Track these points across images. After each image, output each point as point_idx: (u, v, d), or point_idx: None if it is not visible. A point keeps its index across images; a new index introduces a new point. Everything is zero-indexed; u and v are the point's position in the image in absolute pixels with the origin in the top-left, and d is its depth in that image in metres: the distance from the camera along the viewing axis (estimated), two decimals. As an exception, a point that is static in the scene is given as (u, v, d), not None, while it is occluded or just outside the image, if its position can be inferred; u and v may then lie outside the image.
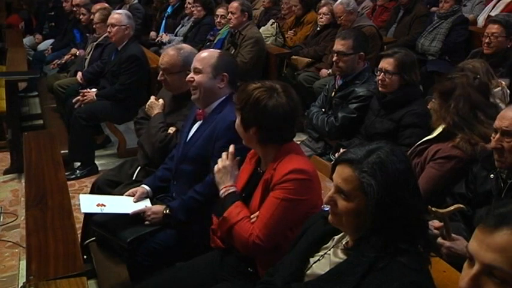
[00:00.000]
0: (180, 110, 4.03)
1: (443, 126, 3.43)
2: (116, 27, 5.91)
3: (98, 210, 3.39)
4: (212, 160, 3.20)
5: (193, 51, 4.13)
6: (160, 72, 4.04)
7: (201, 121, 3.50)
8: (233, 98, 3.21)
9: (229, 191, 2.67)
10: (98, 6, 7.26)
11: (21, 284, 4.01)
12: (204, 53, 3.55)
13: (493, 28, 5.11)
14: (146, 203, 3.44)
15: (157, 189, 3.62)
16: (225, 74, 3.48)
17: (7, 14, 12.12)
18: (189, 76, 3.47)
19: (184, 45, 4.68)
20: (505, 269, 1.36)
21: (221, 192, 2.68)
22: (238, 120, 2.74)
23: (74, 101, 5.99)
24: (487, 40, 5.10)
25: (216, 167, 2.74)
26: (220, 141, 3.30)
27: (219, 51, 3.66)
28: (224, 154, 2.75)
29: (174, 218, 3.27)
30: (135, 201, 3.47)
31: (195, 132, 3.52)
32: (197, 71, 3.44)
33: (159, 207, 3.33)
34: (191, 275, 2.79)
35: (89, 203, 3.46)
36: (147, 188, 3.58)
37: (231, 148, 2.76)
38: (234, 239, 2.58)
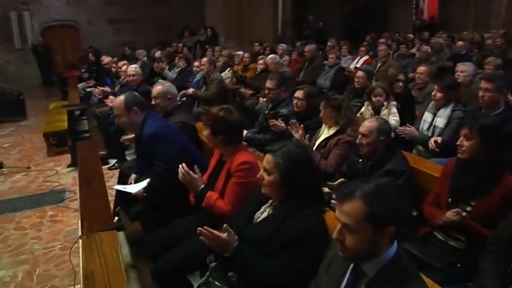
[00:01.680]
0: None
1: (338, 127, 3.51)
2: (136, 76, 5.84)
3: (121, 188, 3.36)
4: (155, 161, 3.15)
5: (170, 85, 4.11)
6: (153, 99, 3.94)
7: None
8: (153, 115, 3.31)
9: (200, 188, 2.60)
10: (121, 63, 7.33)
11: (80, 234, 3.94)
12: (115, 103, 3.35)
13: (359, 73, 5.18)
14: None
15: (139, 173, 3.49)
16: (135, 108, 3.22)
17: (69, 70, 11.94)
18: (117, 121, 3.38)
19: (166, 82, 4.74)
20: (351, 225, 1.45)
21: (197, 190, 2.60)
22: (208, 132, 2.66)
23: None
24: (356, 80, 5.16)
25: (185, 180, 2.60)
26: (154, 150, 3.14)
27: (123, 95, 3.35)
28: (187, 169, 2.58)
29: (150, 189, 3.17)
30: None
31: (137, 143, 3.49)
32: (118, 116, 3.29)
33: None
34: (184, 228, 2.70)
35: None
36: (134, 175, 3.49)
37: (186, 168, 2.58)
38: (215, 213, 2.53)
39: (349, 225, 1.46)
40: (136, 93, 3.55)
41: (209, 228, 1.94)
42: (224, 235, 1.92)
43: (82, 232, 2.50)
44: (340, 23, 15.78)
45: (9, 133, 8.40)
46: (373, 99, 4.19)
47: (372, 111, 4.21)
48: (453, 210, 2.36)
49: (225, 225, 1.96)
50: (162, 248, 2.60)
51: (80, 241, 3.74)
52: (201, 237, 1.95)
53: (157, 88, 4.02)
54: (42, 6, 13.88)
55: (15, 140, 7.82)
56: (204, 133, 2.71)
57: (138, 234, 3.31)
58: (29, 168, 6.14)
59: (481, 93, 3.47)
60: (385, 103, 4.18)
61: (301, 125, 3.70)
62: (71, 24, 14.46)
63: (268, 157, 2.05)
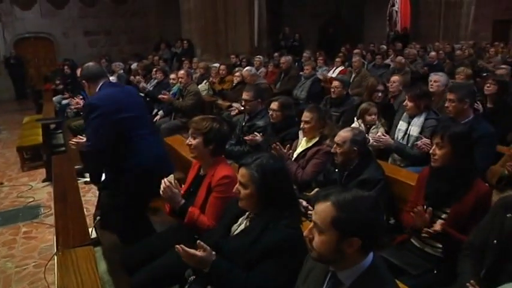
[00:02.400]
0: None
1: (318, 137, 3.52)
2: None
3: None
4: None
5: None
6: None
7: None
8: (106, 86, 3.12)
9: (181, 203, 2.54)
10: None
11: (55, 250, 3.86)
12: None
13: (336, 83, 5.24)
14: None
15: None
16: (83, 81, 3.18)
17: (44, 83, 11.73)
18: None
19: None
20: (319, 224, 1.49)
21: (179, 205, 2.53)
22: (199, 140, 2.57)
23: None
24: (332, 90, 5.22)
25: (166, 195, 2.53)
26: (85, 121, 3.09)
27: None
28: (169, 184, 2.52)
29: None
30: None
31: None
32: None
33: None
34: (161, 242, 2.66)
35: None
36: None
37: (173, 180, 2.55)
38: (198, 227, 2.49)
39: (317, 224, 1.50)
40: (92, 66, 3.32)
41: (185, 247, 1.93)
42: (200, 252, 1.92)
43: (57, 248, 2.44)
44: (315, 35, 16.05)
45: (-19, 148, 8.20)
46: (368, 118, 4.18)
47: (364, 128, 4.19)
48: (438, 223, 2.39)
49: (198, 241, 1.95)
50: (140, 262, 2.55)
51: (56, 258, 3.69)
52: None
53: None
54: (15, 18, 13.64)
55: (-13, 155, 7.64)
56: (193, 142, 2.60)
57: (116, 249, 3.24)
58: (2, 183, 5.99)
59: (447, 104, 3.59)
60: (377, 122, 4.19)
61: (285, 144, 3.69)
62: (45, 37, 14.27)
63: (242, 171, 2.03)
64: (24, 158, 6.65)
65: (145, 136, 3.08)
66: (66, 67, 10.37)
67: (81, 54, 13.68)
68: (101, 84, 3.13)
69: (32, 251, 4.06)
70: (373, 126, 4.16)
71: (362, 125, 4.22)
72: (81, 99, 6.47)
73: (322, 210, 1.49)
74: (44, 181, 5.88)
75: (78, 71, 8.20)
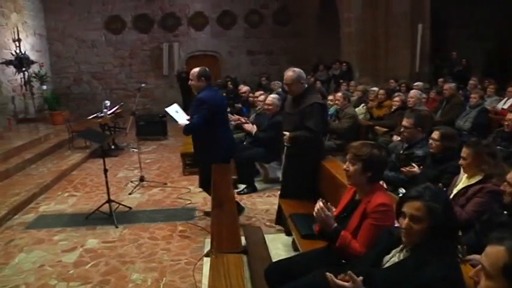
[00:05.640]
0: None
1: (481, 175, 3.24)
2: (272, 106, 6.01)
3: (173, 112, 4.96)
4: (194, 114, 4.62)
5: (300, 71, 4.29)
6: (286, 86, 4.46)
7: None
8: (211, 88, 4.75)
9: (334, 227, 2.51)
10: (258, 93, 7.70)
11: (205, 252, 4.19)
12: (193, 71, 4.70)
13: (510, 116, 4.74)
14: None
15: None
16: (202, 78, 4.61)
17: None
18: None
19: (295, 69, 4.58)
20: (488, 269, 1.39)
21: (331, 228, 2.51)
22: (357, 167, 2.51)
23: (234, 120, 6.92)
24: (506, 123, 4.74)
25: (319, 217, 2.53)
26: (197, 108, 4.56)
27: (199, 68, 4.72)
28: (322, 207, 2.51)
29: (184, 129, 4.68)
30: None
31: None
32: (191, 80, 4.71)
33: None
34: (307, 261, 2.68)
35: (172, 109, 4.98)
36: None
37: (322, 205, 2.53)
38: (348, 253, 2.45)
39: (486, 268, 1.39)
40: (207, 69, 4.74)
41: (334, 278, 1.90)
42: (349, 284, 1.87)
43: (211, 251, 2.60)
44: (482, 60, 14.61)
45: (152, 150, 9.40)
46: None
47: None
48: None
49: (349, 272, 1.89)
50: (282, 278, 2.59)
51: (205, 259, 3.97)
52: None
53: (288, 74, 4.18)
54: (190, 38, 15.36)
55: (156, 157, 8.69)
56: (350, 168, 2.56)
57: (261, 260, 3.34)
58: (166, 184, 6.70)
59: None
60: None
61: (444, 177, 3.47)
62: (212, 54, 15.68)
63: (416, 204, 1.86)
64: (185, 163, 7.32)
65: (225, 129, 4.80)
66: (229, 83, 11.20)
67: (243, 72, 14.71)
68: (206, 84, 4.62)
69: (184, 249, 4.42)
70: None
71: None
72: (245, 119, 6.95)
73: (493, 253, 1.38)
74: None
75: (242, 88, 8.86)
